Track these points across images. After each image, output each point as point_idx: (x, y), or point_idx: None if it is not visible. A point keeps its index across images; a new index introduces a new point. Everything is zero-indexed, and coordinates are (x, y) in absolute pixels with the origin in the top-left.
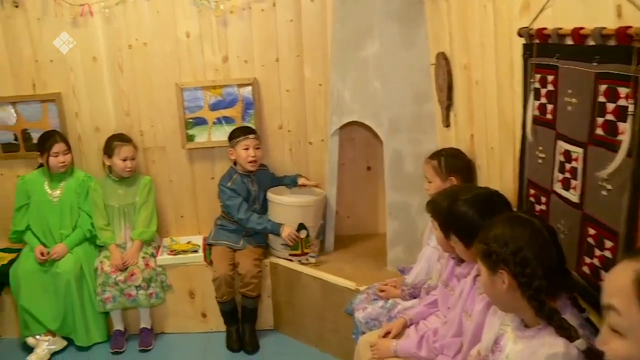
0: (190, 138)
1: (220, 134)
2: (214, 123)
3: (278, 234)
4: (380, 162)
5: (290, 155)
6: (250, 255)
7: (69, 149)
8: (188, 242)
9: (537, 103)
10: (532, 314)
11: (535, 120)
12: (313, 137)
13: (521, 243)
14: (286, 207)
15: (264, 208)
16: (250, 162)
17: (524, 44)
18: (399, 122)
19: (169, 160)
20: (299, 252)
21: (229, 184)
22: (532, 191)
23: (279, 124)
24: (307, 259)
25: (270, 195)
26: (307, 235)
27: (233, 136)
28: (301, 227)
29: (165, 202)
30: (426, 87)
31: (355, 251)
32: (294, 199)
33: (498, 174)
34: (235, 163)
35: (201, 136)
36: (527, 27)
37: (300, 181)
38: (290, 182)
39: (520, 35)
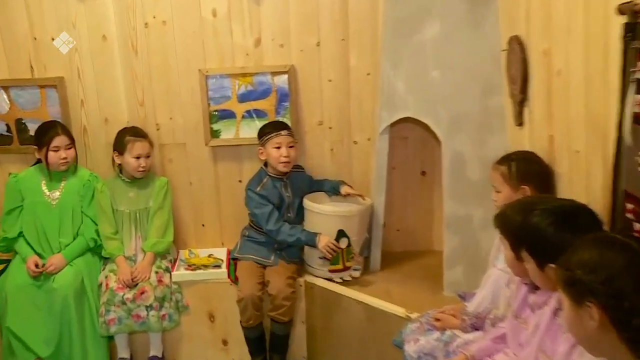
0: (215, 134)
1: (250, 130)
2: (243, 117)
3: (314, 246)
4: (437, 166)
5: (331, 156)
6: (282, 272)
7: (72, 143)
8: (209, 256)
9: (638, 97)
10: None
11: (637, 118)
12: (358, 136)
13: (615, 270)
14: (326, 217)
15: (299, 217)
16: (282, 163)
17: (625, 24)
18: (462, 119)
19: (190, 159)
20: (339, 266)
21: (257, 189)
22: (629, 206)
23: (318, 119)
24: (349, 275)
25: (307, 202)
26: (349, 245)
27: (263, 132)
28: (341, 235)
29: (184, 208)
30: (495, 78)
31: (405, 271)
32: (335, 208)
33: (583, 184)
34: (266, 164)
35: (228, 132)
36: (631, 2)
37: (344, 190)
38: (331, 189)
39: (620, 12)
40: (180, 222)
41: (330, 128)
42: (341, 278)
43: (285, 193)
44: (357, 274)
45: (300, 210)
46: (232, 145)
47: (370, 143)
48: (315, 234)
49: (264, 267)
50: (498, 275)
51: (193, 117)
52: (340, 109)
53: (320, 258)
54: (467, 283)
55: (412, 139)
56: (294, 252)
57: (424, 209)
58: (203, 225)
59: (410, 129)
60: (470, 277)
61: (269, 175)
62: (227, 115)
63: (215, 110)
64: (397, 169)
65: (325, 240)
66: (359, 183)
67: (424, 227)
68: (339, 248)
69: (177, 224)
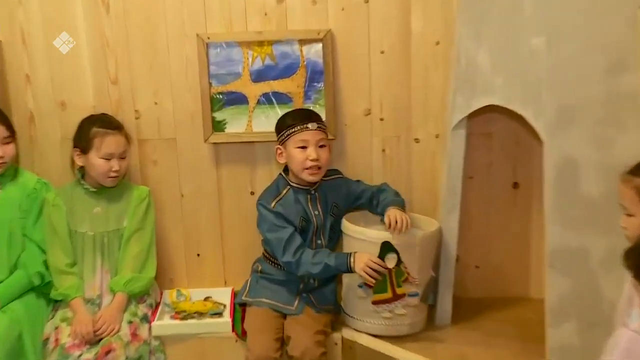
0: (218, 126)
1: (268, 121)
2: (259, 102)
3: (349, 270)
4: (536, 176)
5: (382, 159)
6: (309, 325)
7: (11, 135)
8: (206, 299)
9: None
10: None
11: None
12: (421, 131)
13: None
14: (371, 246)
15: (332, 243)
16: (309, 169)
17: None
18: (576, 108)
19: (182, 162)
20: (387, 294)
21: (273, 204)
22: None
23: (365, 107)
24: (403, 306)
25: (347, 225)
26: (399, 262)
27: (283, 125)
28: (387, 249)
29: (172, 231)
30: (627, 49)
31: (489, 327)
32: (383, 233)
33: None
34: (286, 169)
35: (236, 123)
36: None
37: (388, 215)
38: (377, 205)
39: None
40: (167, 251)
41: (381, 120)
42: (390, 312)
43: (312, 211)
44: (414, 300)
45: (336, 235)
46: (243, 143)
47: (438, 141)
48: (349, 253)
49: (284, 316)
50: (631, 338)
51: (187, 102)
52: (396, 94)
53: (360, 286)
54: (582, 348)
55: (499, 136)
56: (327, 296)
57: (516, 238)
58: (198, 255)
59: (497, 122)
60: (587, 340)
61: (291, 185)
62: (236, 99)
63: (219, 93)
64: (476, 179)
65: (364, 259)
66: (421, 199)
67: (516, 263)
68: (385, 268)
69: (161, 252)
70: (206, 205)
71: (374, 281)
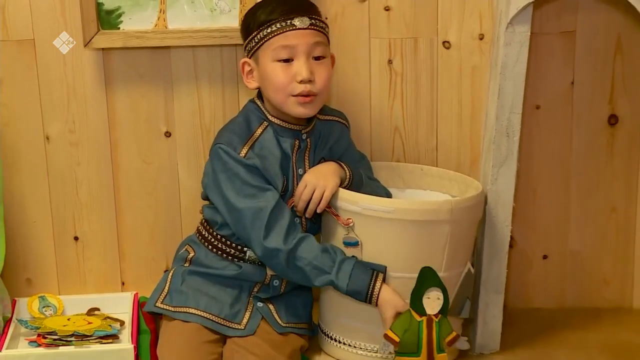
0: (107, 19)
1: (194, 12)
2: None
3: (367, 302)
4: None
5: (387, 77)
6: (265, 354)
7: None
8: (90, 312)
9: None
10: None
11: None
12: (454, 30)
13: None
14: (384, 225)
15: (317, 226)
16: (297, 97)
17: None
18: None
19: (45, 80)
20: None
21: (243, 151)
22: None
23: None
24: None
25: (345, 193)
26: (445, 308)
27: (252, 23)
28: (428, 281)
29: (33, 199)
30: None
31: (564, 357)
32: (404, 203)
33: None
34: (260, 95)
35: (139, 15)
36: None
37: (304, 180)
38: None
39: None
40: (23, 232)
41: (386, 10)
42: None
43: (297, 168)
44: (466, 345)
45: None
46: (151, 49)
47: (483, 47)
48: (374, 272)
49: (224, 339)
50: None
51: None
52: None
53: (384, 349)
54: None
55: (586, 38)
56: (297, 308)
57: (612, 211)
58: (76, 238)
59: (585, 13)
60: None
61: (269, 122)
62: None
63: None
64: (547, 110)
65: (392, 304)
66: (449, 145)
67: (608, 253)
68: (428, 317)
69: (13, 234)
70: (89, 155)
71: (396, 341)
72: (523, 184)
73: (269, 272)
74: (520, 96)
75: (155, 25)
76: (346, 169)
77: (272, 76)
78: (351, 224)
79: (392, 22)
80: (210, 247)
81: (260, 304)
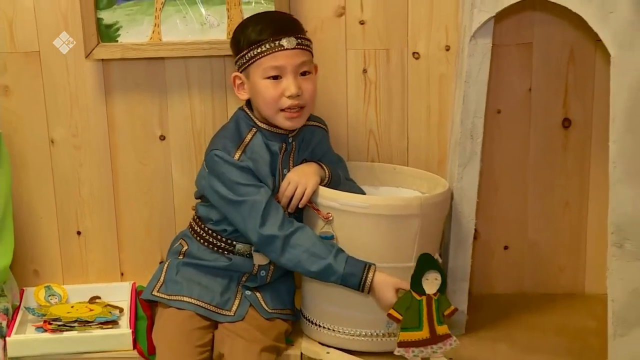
0: (107, 33)
1: (186, 26)
2: None
3: (360, 289)
4: (598, 109)
5: (362, 85)
6: (254, 338)
7: None
8: (92, 299)
9: None
10: None
11: None
12: (423, 41)
13: None
14: (360, 219)
15: (299, 217)
16: (286, 112)
17: None
18: None
19: (50, 88)
20: (421, 333)
21: (236, 155)
22: None
23: (337, 3)
24: (445, 348)
25: (325, 191)
26: (443, 287)
27: (243, 42)
28: (426, 265)
29: (38, 196)
30: None
31: (522, 338)
32: (378, 200)
33: None
34: (248, 104)
35: (136, 29)
36: None
37: (288, 177)
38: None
39: None
40: (30, 226)
41: (361, 24)
42: (417, 357)
43: (282, 169)
44: (454, 344)
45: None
46: (147, 60)
47: (449, 57)
48: (366, 265)
49: (215, 324)
50: None
51: None
52: None
53: (389, 326)
54: None
55: (542, 49)
56: (282, 295)
57: (566, 205)
58: (79, 233)
59: (541, 27)
60: None
61: (258, 128)
62: None
63: None
64: (507, 114)
65: (389, 283)
66: (419, 145)
67: (563, 243)
68: (427, 296)
69: (21, 229)
70: (90, 157)
71: (399, 318)
72: (486, 182)
73: (257, 264)
74: (483, 102)
75: (151, 38)
76: (326, 169)
77: (263, 91)
78: (331, 218)
79: (367, 34)
80: (202, 241)
81: (248, 292)
